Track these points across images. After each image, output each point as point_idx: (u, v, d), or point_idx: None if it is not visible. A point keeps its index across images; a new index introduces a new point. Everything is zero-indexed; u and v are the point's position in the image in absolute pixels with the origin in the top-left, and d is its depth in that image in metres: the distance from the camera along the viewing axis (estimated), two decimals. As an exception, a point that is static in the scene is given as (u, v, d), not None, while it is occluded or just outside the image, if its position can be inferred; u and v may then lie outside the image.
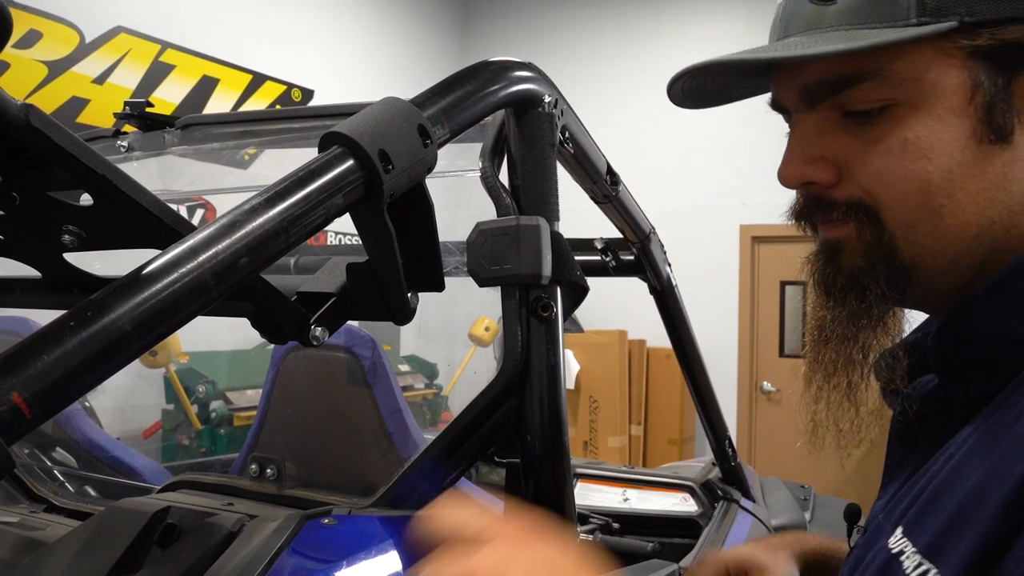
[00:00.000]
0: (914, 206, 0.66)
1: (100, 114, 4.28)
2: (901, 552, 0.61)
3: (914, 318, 0.80)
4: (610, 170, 1.37)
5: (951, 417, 0.66)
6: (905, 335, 0.78)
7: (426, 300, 0.94)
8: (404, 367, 5.19)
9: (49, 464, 1.73)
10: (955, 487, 0.59)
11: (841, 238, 0.71)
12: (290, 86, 5.67)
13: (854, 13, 0.66)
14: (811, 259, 0.76)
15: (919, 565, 0.58)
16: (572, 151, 1.16)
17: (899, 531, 0.63)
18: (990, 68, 0.64)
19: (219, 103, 5.11)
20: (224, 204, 1.54)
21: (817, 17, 0.68)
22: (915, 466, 0.71)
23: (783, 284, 6.60)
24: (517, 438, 1.01)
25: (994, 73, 0.64)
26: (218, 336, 4.30)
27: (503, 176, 1.03)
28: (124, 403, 4.26)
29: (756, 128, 6.62)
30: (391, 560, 0.96)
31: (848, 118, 0.69)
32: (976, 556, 0.53)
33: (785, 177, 0.72)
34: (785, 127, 0.76)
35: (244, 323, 0.85)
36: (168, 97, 4.67)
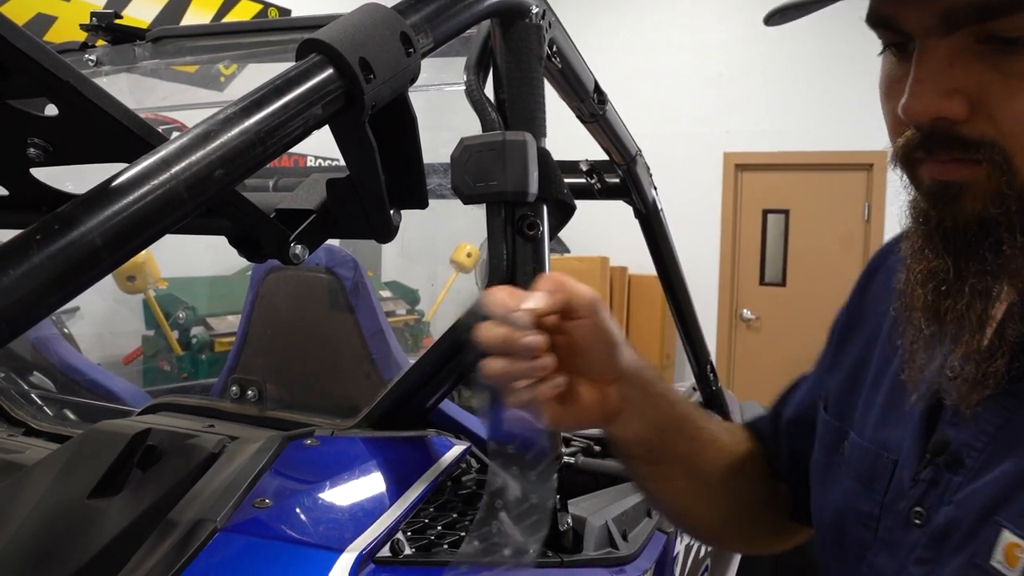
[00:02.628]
0: None
1: (68, 32, 4.13)
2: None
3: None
4: (597, 88, 1.33)
5: None
6: None
7: (408, 225, 0.91)
8: (386, 293, 5.18)
9: (27, 388, 1.72)
10: None
11: (963, 181, 0.64)
12: (267, 4, 5.50)
13: None
14: (917, 203, 0.68)
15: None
16: (559, 66, 1.12)
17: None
18: None
19: (193, 22, 4.96)
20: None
21: None
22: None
23: (765, 212, 6.60)
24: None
25: None
26: (198, 261, 4.26)
27: (489, 90, 1.00)
28: (103, 329, 4.24)
29: (741, 55, 6.55)
30: (374, 480, 0.96)
31: (987, 45, 0.61)
32: None
33: (914, 112, 0.63)
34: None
35: (224, 247, 0.83)
36: (139, 15, 4.52)
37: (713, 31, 6.57)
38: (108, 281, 3.62)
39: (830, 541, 0.83)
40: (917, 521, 0.70)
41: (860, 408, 0.85)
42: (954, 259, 0.65)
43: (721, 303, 6.72)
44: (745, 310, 6.74)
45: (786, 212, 6.52)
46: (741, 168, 6.59)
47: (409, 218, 0.90)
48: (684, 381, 3.19)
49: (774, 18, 0.69)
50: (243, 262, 0.86)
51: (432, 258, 5.50)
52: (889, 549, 0.73)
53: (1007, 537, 0.61)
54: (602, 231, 5.34)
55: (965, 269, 0.65)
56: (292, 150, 0.75)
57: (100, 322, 4.20)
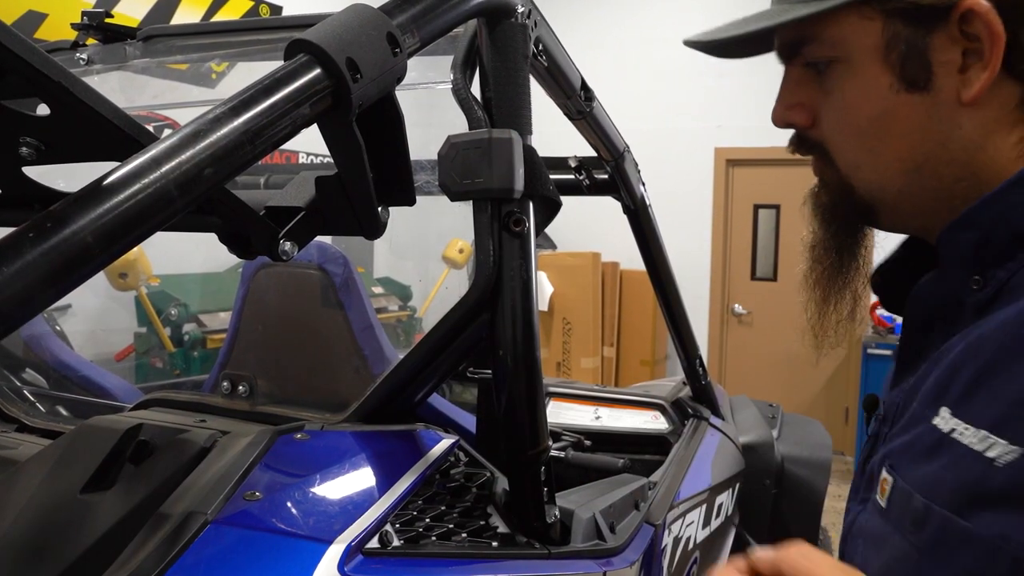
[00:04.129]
0: (854, 149, 0.79)
1: (59, 29, 4.12)
2: (953, 430, 0.68)
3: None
4: (584, 85, 1.35)
5: (963, 310, 0.74)
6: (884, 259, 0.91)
7: (400, 221, 0.93)
8: (378, 289, 5.18)
9: (19, 385, 1.72)
10: (1010, 370, 0.65)
11: (818, 176, 0.85)
12: (258, 2, 5.49)
13: None
14: (812, 190, 0.88)
15: (985, 439, 0.64)
16: (546, 64, 1.14)
17: (945, 411, 0.70)
18: (908, 26, 0.73)
19: (183, 20, 4.94)
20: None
21: None
22: (934, 356, 0.76)
23: (756, 207, 6.62)
24: (489, 353, 1.01)
25: (912, 30, 0.73)
26: (190, 259, 4.25)
27: (475, 89, 1.01)
28: (96, 326, 4.23)
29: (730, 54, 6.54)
30: (363, 473, 0.97)
31: (810, 69, 0.81)
32: None
33: (773, 119, 0.85)
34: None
35: (215, 244, 0.84)
36: (131, 12, 4.51)
37: (703, 27, 6.57)
38: (100, 278, 3.62)
39: None
40: (862, 469, 0.85)
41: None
42: (817, 233, 0.88)
43: (712, 298, 6.74)
44: (736, 305, 6.76)
45: (777, 207, 6.54)
46: (732, 163, 6.61)
47: (401, 214, 0.91)
48: (675, 376, 3.21)
49: (698, 46, 0.90)
50: (235, 259, 0.87)
51: (424, 254, 5.50)
52: (852, 494, 0.87)
53: (882, 475, 0.76)
54: (594, 227, 5.35)
55: (820, 240, 0.88)
56: (284, 147, 0.76)
57: (92, 319, 4.19)
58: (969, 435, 0.66)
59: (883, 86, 0.75)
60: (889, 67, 0.75)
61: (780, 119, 0.84)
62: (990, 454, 0.64)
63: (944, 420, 0.69)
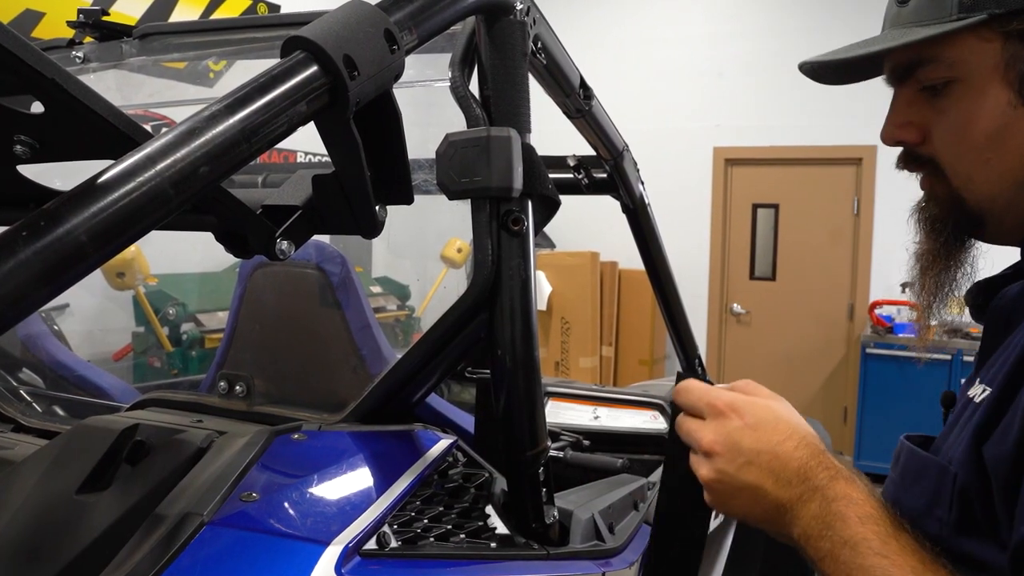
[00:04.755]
0: (968, 162, 0.84)
1: (57, 28, 4.11)
2: (975, 393, 0.80)
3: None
4: (583, 84, 1.34)
5: None
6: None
7: (398, 220, 0.92)
8: (376, 288, 5.17)
9: (16, 384, 1.71)
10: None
11: (927, 190, 0.90)
12: (256, 0, 5.48)
13: (916, 12, 0.84)
14: (919, 203, 0.93)
15: (983, 391, 0.77)
16: (544, 62, 1.13)
17: (978, 381, 0.81)
18: None
19: (181, 18, 4.93)
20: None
21: (897, 15, 0.87)
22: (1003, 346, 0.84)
23: (755, 207, 6.62)
24: (488, 352, 1.00)
25: None
26: (188, 258, 4.24)
27: (473, 87, 1.01)
28: (93, 326, 4.22)
29: (731, 51, 6.55)
30: (361, 474, 0.96)
31: (924, 91, 0.86)
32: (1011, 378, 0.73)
33: (883, 137, 0.90)
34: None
35: (213, 243, 0.83)
36: (128, 11, 4.50)
37: (703, 27, 6.58)
38: (98, 277, 3.61)
39: None
40: None
41: None
42: (926, 244, 0.92)
43: (711, 297, 6.73)
44: (735, 304, 6.76)
45: (775, 206, 6.54)
46: (731, 163, 6.61)
47: (399, 213, 0.91)
48: (674, 375, 3.20)
49: (809, 71, 0.98)
50: (233, 258, 0.87)
51: (422, 253, 5.49)
52: None
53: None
54: (592, 226, 5.35)
55: (930, 250, 0.92)
56: (281, 146, 0.76)
57: (90, 319, 4.18)
58: (976, 390, 0.79)
59: (1002, 103, 0.80)
60: (1008, 85, 0.80)
61: (891, 137, 0.90)
62: (977, 398, 0.78)
63: (975, 388, 0.80)
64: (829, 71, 0.95)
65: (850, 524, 0.75)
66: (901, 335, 5.63)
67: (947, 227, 0.89)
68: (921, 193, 0.93)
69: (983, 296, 0.93)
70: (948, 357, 5.29)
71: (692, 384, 0.91)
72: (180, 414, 1.13)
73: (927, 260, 0.92)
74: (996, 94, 0.80)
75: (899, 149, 0.92)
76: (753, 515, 0.85)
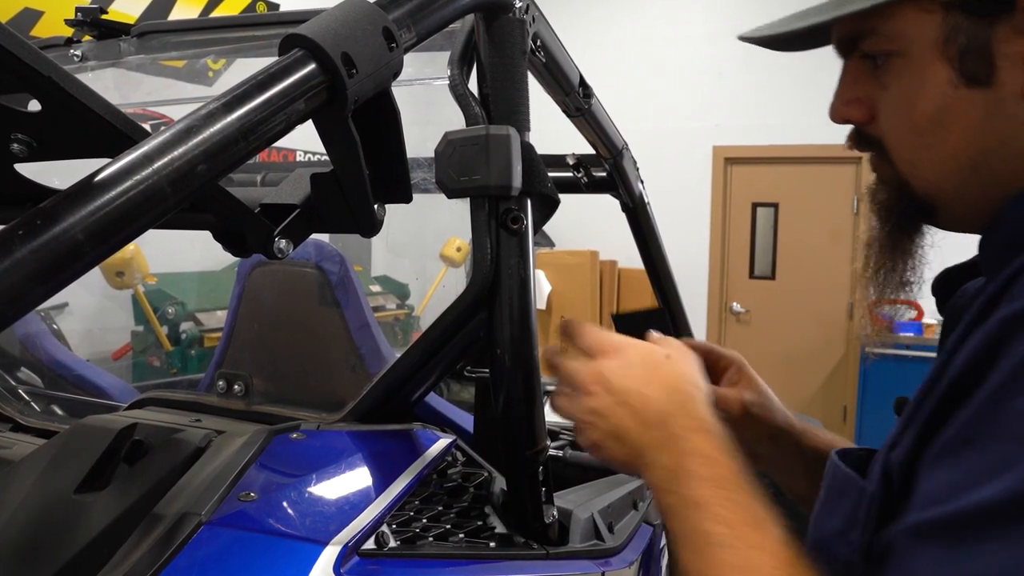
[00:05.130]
0: (910, 146, 0.75)
1: (56, 27, 4.11)
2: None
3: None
4: (583, 82, 1.34)
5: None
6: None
7: (398, 219, 0.92)
8: (375, 287, 5.17)
9: (14, 384, 1.71)
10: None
11: (875, 172, 0.83)
12: (255, -1, 5.48)
13: None
14: (870, 187, 0.86)
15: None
16: (544, 60, 1.13)
17: None
18: (968, 18, 0.70)
19: (180, 16, 4.93)
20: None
21: None
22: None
23: (755, 206, 6.62)
24: (487, 351, 1.00)
25: (973, 22, 0.70)
26: (187, 258, 4.24)
27: (472, 85, 1.00)
28: (92, 325, 4.22)
29: (731, 51, 6.55)
30: (359, 473, 0.96)
31: (868, 62, 0.78)
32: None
33: (831, 115, 0.82)
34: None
35: (212, 242, 0.83)
36: (127, 9, 4.50)
37: (703, 26, 6.58)
38: (97, 277, 3.61)
39: None
40: None
41: None
42: (878, 229, 0.84)
43: (711, 296, 6.74)
44: (735, 303, 6.76)
45: (775, 206, 6.54)
46: (731, 162, 6.61)
47: (399, 213, 0.90)
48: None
49: (757, 40, 0.88)
50: (232, 257, 0.86)
51: (422, 252, 5.50)
52: None
53: None
54: (592, 225, 5.34)
55: (879, 236, 0.84)
56: (280, 145, 0.75)
57: (89, 318, 4.18)
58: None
59: (941, 82, 0.72)
60: (948, 61, 0.71)
61: (838, 114, 0.82)
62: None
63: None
64: (778, 42, 0.87)
65: (698, 483, 0.73)
66: (901, 334, 5.63)
67: (894, 214, 0.82)
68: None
69: (942, 289, 0.87)
70: (947, 356, 5.28)
71: (584, 325, 0.87)
72: (178, 413, 1.13)
73: (875, 248, 0.86)
74: (936, 72, 0.72)
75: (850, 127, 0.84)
76: (617, 458, 0.83)
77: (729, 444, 0.77)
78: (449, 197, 0.94)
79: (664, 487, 0.76)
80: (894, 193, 0.80)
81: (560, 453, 1.83)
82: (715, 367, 1.08)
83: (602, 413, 0.82)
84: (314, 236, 0.88)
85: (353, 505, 0.89)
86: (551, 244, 6.61)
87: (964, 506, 0.55)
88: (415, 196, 0.89)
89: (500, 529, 1.02)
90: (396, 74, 0.78)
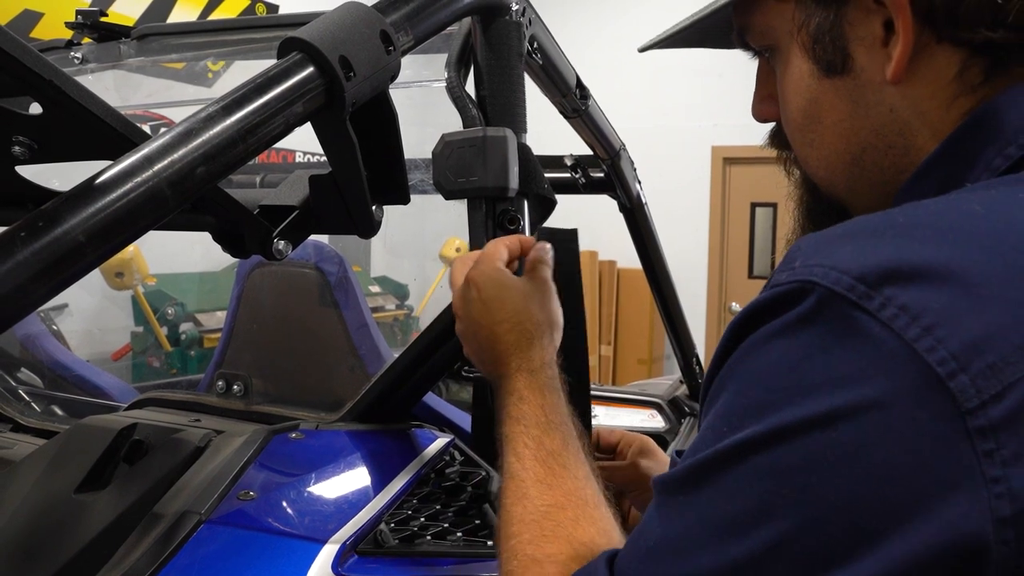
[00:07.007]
0: (799, 143, 0.72)
1: (55, 29, 4.11)
2: None
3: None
4: (580, 83, 1.35)
5: None
6: None
7: (397, 220, 0.92)
8: (375, 288, 5.18)
9: (15, 384, 1.72)
10: None
11: (786, 171, 0.79)
12: (254, 0, 5.49)
13: None
14: (788, 187, 0.82)
15: None
16: (540, 62, 1.13)
17: None
18: (817, 3, 0.65)
19: (179, 19, 4.93)
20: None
21: None
22: None
23: (753, 206, 6.63)
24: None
25: (821, 7, 0.65)
26: (186, 258, 4.25)
27: (469, 87, 1.01)
28: (92, 326, 4.22)
29: (728, 51, 6.54)
30: (358, 472, 0.97)
31: (764, 58, 0.75)
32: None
33: (752, 113, 0.79)
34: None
35: (212, 243, 0.84)
36: (127, 11, 4.50)
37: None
38: (97, 277, 3.61)
39: None
40: None
41: None
42: (801, 228, 0.79)
43: (710, 296, 6.74)
44: (734, 303, 6.75)
45: (774, 205, 6.54)
46: (729, 162, 6.61)
47: (398, 213, 0.91)
48: (672, 375, 3.22)
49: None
50: (231, 258, 0.87)
51: (421, 253, 5.50)
52: None
53: None
54: (591, 225, 5.31)
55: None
56: (280, 146, 0.76)
57: (89, 319, 4.18)
58: None
59: (805, 74, 0.68)
60: (806, 52, 0.67)
61: (756, 113, 0.79)
62: None
63: None
64: (679, 42, 0.84)
65: (507, 421, 0.77)
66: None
67: (811, 213, 0.77)
68: None
69: None
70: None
71: (481, 254, 0.89)
72: (178, 413, 1.13)
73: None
74: (799, 64, 0.68)
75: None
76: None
77: (548, 384, 0.80)
78: (446, 198, 0.95)
79: (496, 420, 0.81)
80: (804, 193, 0.77)
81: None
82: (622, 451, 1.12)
83: (465, 339, 0.88)
84: (313, 237, 0.89)
85: (351, 504, 0.90)
86: (549, 244, 6.61)
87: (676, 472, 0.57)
88: (414, 197, 0.89)
89: (498, 528, 1.02)
90: (394, 77, 0.79)
